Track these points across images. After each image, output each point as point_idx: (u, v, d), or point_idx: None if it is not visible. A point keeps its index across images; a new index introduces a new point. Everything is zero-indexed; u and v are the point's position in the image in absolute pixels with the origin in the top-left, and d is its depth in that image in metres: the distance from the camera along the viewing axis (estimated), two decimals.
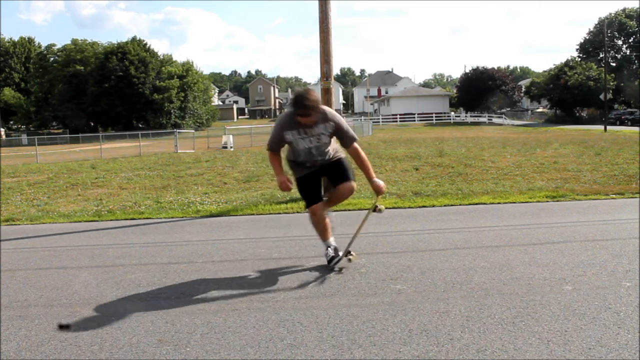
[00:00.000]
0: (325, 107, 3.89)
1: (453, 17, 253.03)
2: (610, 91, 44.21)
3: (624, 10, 59.76)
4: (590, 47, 58.32)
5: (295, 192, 8.19)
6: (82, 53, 53.46)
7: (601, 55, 52.77)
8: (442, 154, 14.18)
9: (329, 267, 3.91)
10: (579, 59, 56.70)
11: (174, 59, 59.69)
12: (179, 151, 22.70)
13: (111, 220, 6.65)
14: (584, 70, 51.47)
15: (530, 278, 3.56)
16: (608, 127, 32.88)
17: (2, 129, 51.21)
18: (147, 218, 6.64)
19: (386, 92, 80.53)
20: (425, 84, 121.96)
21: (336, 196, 3.99)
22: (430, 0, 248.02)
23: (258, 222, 6.14)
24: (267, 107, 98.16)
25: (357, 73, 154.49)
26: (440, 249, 4.45)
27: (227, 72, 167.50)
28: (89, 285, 3.81)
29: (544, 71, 66.53)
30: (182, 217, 6.62)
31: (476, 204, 6.71)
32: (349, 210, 6.46)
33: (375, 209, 3.96)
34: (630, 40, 59.12)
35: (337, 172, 3.95)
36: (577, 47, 61.23)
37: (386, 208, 6.48)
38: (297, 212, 6.58)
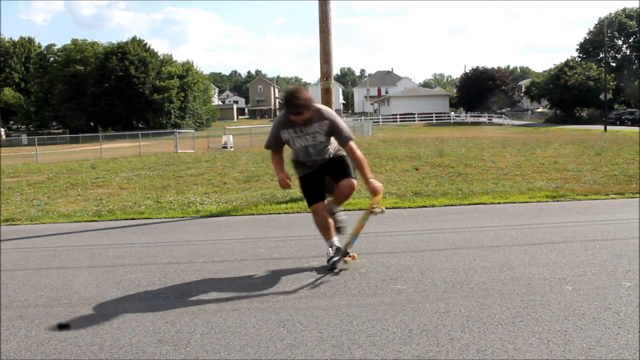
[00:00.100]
0: (321, 106, 3.90)
1: (453, 17, 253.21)
2: (610, 91, 44.22)
3: (624, 10, 59.78)
4: (590, 47, 58.33)
5: (295, 192, 8.19)
6: (82, 53, 53.47)
7: (601, 55, 52.78)
8: (442, 154, 14.18)
9: (327, 266, 3.91)
10: (579, 59, 56.72)
11: (174, 59, 59.73)
12: (179, 151, 22.70)
13: (111, 220, 6.65)
14: (584, 70, 51.48)
15: (530, 278, 3.56)
16: (608, 127, 32.89)
17: (2, 129, 51.21)
18: (147, 218, 6.64)
19: (386, 92, 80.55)
20: (425, 84, 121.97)
21: (338, 194, 4.00)
22: (430, 0, 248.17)
23: (258, 222, 6.14)
24: (267, 107, 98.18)
25: (357, 73, 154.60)
26: (440, 249, 4.45)
27: (227, 72, 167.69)
28: (89, 285, 3.81)
29: (544, 71, 66.55)
30: (182, 217, 6.62)
31: (476, 204, 6.71)
32: (349, 210, 6.46)
33: (372, 211, 3.87)
34: (630, 40, 59.14)
35: (337, 170, 3.95)
36: (577, 47, 61.30)
37: (386, 208, 6.52)
38: (297, 212, 6.58)
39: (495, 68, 63.40)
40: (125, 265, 4.35)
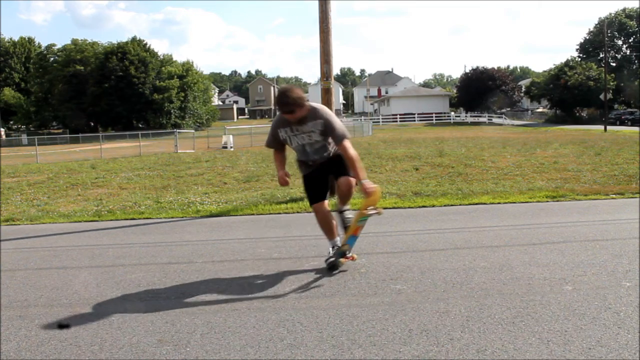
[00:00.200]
0: (316, 105, 3.89)
1: (453, 17, 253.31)
2: (610, 91, 44.22)
3: (624, 10, 59.78)
4: (590, 47, 58.33)
5: (295, 192, 8.19)
6: (82, 53, 53.44)
7: (601, 55, 52.79)
8: (442, 154, 14.18)
9: (326, 266, 3.91)
10: (579, 59, 56.72)
11: (174, 59, 59.67)
12: (179, 151, 22.70)
13: (111, 220, 6.65)
14: (584, 70, 51.48)
15: (530, 278, 3.56)
16: (608, 127, 32.90)
17: (2, 129, 51.20)
18: (147, 218, 6.64)
19: (386, 92, 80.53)
20: (425, 84, 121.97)
21: (338, 193, 4.00)
22: (430, 0, 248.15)
23: (258, 222, 6.14)
24: (267, 107, 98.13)
25: (357, 73, 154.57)
26: (440, 249, 4.45)
27: (227, 72, 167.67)
28: (89, 285, 3.81)
29: (544, 71, 66.56)
30: (182, 217, 6.62)
31: (476, 204, 6.71)
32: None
33: (366, 213, 3.79)
34: (630, 40, 59.13)
35: (337, 168, 3.95)
36: (577, 47, 61.30)
37: (386, 208, 6.52)
38: (297, 212, 6.58)
39: (495, 68, 63.42)
40: (125, 265, 4.35)
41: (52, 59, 57.49)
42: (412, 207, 6.61)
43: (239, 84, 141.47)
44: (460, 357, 2.49)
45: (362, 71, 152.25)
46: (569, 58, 56.38)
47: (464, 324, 2.84)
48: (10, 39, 66.79)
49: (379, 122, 56.77)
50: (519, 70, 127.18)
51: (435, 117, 57.41)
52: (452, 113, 62.06)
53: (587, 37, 60.61)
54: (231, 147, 23.85)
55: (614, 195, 6.98)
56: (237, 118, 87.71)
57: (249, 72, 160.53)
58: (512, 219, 5.71)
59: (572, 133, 28.40)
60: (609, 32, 52.59)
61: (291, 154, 4.17)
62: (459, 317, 2.94)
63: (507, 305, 3.08)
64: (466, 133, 31.13)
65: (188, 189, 9.33)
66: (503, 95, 58.85)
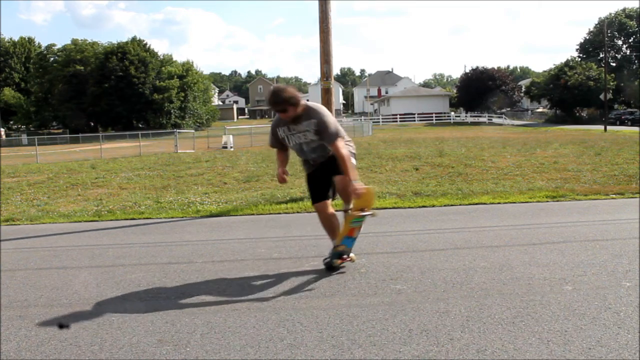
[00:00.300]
0: (312, 104, 3.88)
1: (453, 17, 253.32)
2: (610, 91, 44.22)
3: (624, 10, 59.78)
4: (590, 47, 58.34)
5: (295, 191, 8.19)
6: (82, 53, 53.44)
7: (601, 55, 52.80)
8: (442, 154, 14.18)
9: (324, 265, 3.92)
10: (579, 59, 56.72)
11: (174, 59, 59.69)
12: (179, 151, 22.70)
13: (111, 220, 6.65)
14: (584, 70, 51.48)
15: (530, 278, 3.56)
16: (608, 127, 32.90)
17: (2, 129, 51.20)
18: (147, 218, 6.64)
19: (386, 92, 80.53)
20: (425, 84, 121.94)
21: (338, 192, 4.00)
22: (430, 0, 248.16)
23: (258, 222, 6.14)
24: (267, 107, 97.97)
25: (357, 73, 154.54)
26: (440, 249, 4.45)
27: (227, 72, 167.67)
28: (89, 285, 3.81)
29: (544, 71, 66.55)
30: (182, 217, 6.62)
31: (476, 204, 6.71)
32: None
33: (357, 215, 3.76)
34: (630, 40, 59.13)
35: (335, 167, 3.94)
36: (577, 47, 61.31)
37: (386, 208, 6.53)
38: (297, 212, 6.58)
39: (495, 68, 63.41)
40: (125, 265, 4.35)
41: (52, 59, 57.48)
42: (412, 207, 6.61)
43: (239, 84, 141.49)
44: (460, 357, 2.49)
45: (362, 71, 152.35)
46: (569, 58, 56.43)
47: (464, 324, 2.84)
48: (10, 39, 66.84)
49: (379, 122, 56.76)
50: (519, 70, 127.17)
51: (435, 117, 57.41)
52: (452, 113, 62.05)
53: (587, 37, 60.62)
54: (231, 147, 23.85)
55: (614, 195, 6.98)
56: (237, 118, 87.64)
57: (249, 72, 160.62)
58: (512, 219, 5.71)
59: (572, 133, 28.40)
60: (609, 32, 52.60)
61: (295, 154, 4.18)
62: (459, 317, 2.94)
63: (507, 305, 3.08)
64: (466, 133, 31.13)
65: (188, 189, 9.33)
66: (503, 95, 58.85)
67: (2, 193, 9.79)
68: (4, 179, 12.64)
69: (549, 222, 5.40)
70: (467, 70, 63.99)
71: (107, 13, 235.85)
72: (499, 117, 55.88)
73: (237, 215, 6.61)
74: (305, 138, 3.85)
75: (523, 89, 63.92)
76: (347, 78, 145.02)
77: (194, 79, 57.59)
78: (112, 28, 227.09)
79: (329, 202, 3.99)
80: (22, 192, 9.86)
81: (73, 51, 53.92)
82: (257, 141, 25.44)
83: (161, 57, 57.74)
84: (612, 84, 48.03)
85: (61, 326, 3.01)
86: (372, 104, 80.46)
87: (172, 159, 17.95)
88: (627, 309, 2.96)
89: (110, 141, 31.25)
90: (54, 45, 59.26)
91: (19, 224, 6.66)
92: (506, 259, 4.04)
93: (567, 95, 50.21)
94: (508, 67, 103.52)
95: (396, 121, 57.19)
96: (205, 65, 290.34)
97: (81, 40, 55.87)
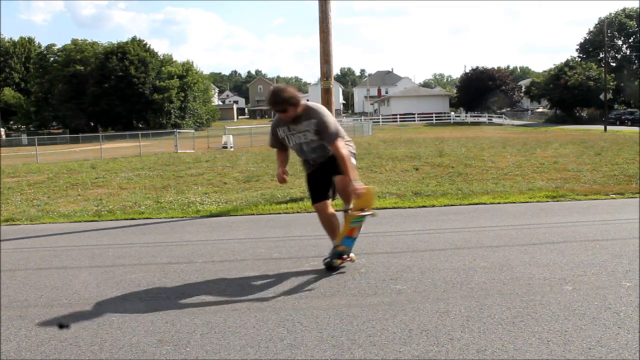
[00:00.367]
0: (313, 104, 3.88)
1: (453, 17, 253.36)
2: (610, 91, 44.22)
3: (624, 10, 59.78)
4: (590, 47, 58.34)
5: (295, 191, 8.19)
6: (82, 53, 53.44)
7: (601, 55, 52.81)
8: (442, 154, 14.18)
9: (324, 265, 3.92)
10: (579, 59, 56.72)
11: (174, 59, 59.67)
12: (179, 151, 22.70)
13: (111, 220, 6.64)
14: (584, 70, 51.48)
15: (530, 278, 3.56)
16: (608, 127, 32.90)
17: (2, 129, 51.20)
18: (147, 218, 6.64)
19: (386, 92, 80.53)
20: (425, 84, 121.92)
21: (337, 192, 4.00)
22: (430, 0, 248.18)
23: (258, 222, 6.14)
24: (267, 107, 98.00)
25: (357, 73, 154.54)
26: (440, 249, 4.45)
27: (227, 72, 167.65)
28: (89, 285, 3.81)
29: (544, 71, 66.54)
30: (182, 217, 6.62)
31: (476, 204, 6.71)
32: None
33: (357, 215, 3.77)
34: (630, 40, 59.14)
35: (335, 167, 3.95)
36: (577, 47, 61.32)
37: (386, 208, 6.53)
38: (297, 212, 6.58)
39: (495, 68, 63.40)
40: (125, 265, 4.35)
41: (52, 59, 57.49)
42: (412, 207, 6.61)
43: (239, 84, 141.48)
44: (460, 357, 2.49)
45: (362, 71, 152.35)
46: (569, 58, 56.41)
47: (464, 324, 2.84)
48: (10, 39, 66.83)
49: (379, 122, 56.76)
50: (519, 70, 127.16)
51: (435, 117, 57.40)
52: (452, 113, 62.04)
53: (587, 37, 60.63)
54: (231, 147, 23.85)
55: (614, 195, 6.98)
56: (237, 118, 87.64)
57: (249, 72, 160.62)
58: (512, 219, 5.71)
59: (572, 133, 28.40)
60: (609, 32, 52.60)
61: (295, 154, 4.18)
62: (459, 317, 2.94)
63: (507, 305, 3.08)
64: (466, 133, 31.13)
65: (188, 189, 9.33)
66: (503, 95, 58.84)
67: (2, 193, 9.79)
68: (4, 179, 12.64)
69: (549, 222, 5.40)
70: (467, 70, 64.05)
71: (107, 13, 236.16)
72: (499, 117, 55.88)
73: (237, 215, 6.61)
74: (305, 138, 3.85)
75: (523, 89, 63.92)
76: (347, 78, 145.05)
77: (194, 79, 57.59)
78: (112, 28, 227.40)
79: (329, 202, 3.99)
80: (22, 192, 9.86)
81: (73, 51, 53.92)
82: (257, 141, 25.44)
83: (161, 57, 57.74)
84: (612, 84, 48.03)
85: (61, 326, 3.01)
86: (372, 104, 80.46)
87: (172, 159, 17.95)
88: (627, 309, 2.96)
89: (110, 141, 31.25)
90: (54, 45, 59.34)
91: (19, 224, 6.66)
92: (506, 259, 4.04)
93: (567, 95, 50.21)
94: (508, 67, 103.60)
95: (396, 121, 57.18)
96: (205, 65, 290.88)
97: (81, 40, 55.89)
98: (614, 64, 56.78)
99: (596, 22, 68.76)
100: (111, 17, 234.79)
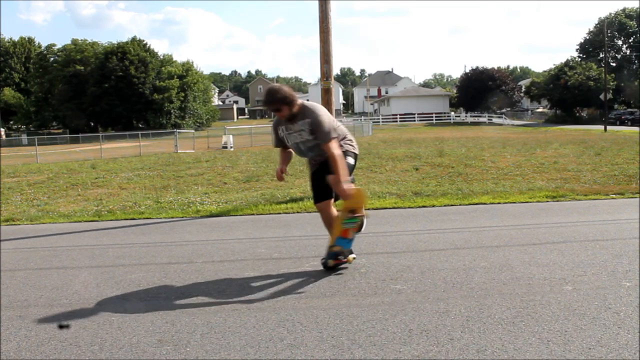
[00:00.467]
0: (309, 103, 3.88)
1: (453, 17, 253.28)
2: (610, 91, 44.22)
3: (624, 10, 59.80)
4: (590, 47, 58.35)
5: (294, 191, 8.19)
6: (82, 53, 53.47)
7: (601, 55, 52.80)
8: (442, 154, 14.18)
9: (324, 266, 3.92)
10: (579, 59, 56.74)
11: (174, 59, 59.69)
12: (179, 151, 22.71)
13: (111, 220, 6.64)
14: (584, 70, 51.49)
15: (530, 278, 3.56)
16: (608, 127, 32.93)
17: (2, 129, 51.21)
18: (147, 218, 6.64)
19: (386, 92, 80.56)
20: (425, 84, 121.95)
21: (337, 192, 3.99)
22: (430, 0, 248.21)
23: (258, 222, 6.14)
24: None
25: (357, 73, 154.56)
26: (440, 249, 4.45)
27: (227, 72, 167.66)
28: (89, 285, 3.81)
29: (544, 71, 66.59)
30: (182, 217, 6.62)
31: (476, 204, 6.71)
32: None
33: (350, 216, 3.75)
34: (630, 40, 59.15)
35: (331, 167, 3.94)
36: (577, 47, 61.35)
37: (386, 208, 6.53)
38: (297, 212, 6.58)
39: (495, 68, 63.42)
40: (125, 265, 4.35)
41: (52, 59, 57.51)
42: (412, 207, 6.61)
43: (239, 84, 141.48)
44: (460, 357, 2.49)
45: (362, 71, 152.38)
46: (569, 58, 56.46)
47: (464, 324, 2.84)
48: (10, 39, 66.87)
49: (379, 122, 56.77)
50: (519, 70, 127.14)
51: (435, 117, 57.42)
52: (452, 113, 62.06)
53: (587, 37, 60.65)
54: (231, 147, 23.86)
55: (614, 195, 6.98)
56: (237, 118, 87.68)
57: (249, 72, 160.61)
58: (512, 219, 5.71)
59: (572, 133, 28.40)
60: (609, 32, 52.60)
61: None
62: (459, 317, 2.94)
63: (507, 305, 3.08)
64: (466, 133, 31.13)
65: (188, 189, 9.33)
66: (503, 95, 58.85)
67: (2, 193, 9.79)
68: (4, 179, 12.64)
69: (549, 222, 5.40)
70: (467, 70, 64.05)
71: (107, 13, 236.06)
72: (499, 117, 55.89)
73: (237, 215, 6.61)
74: (301, 137, 3.85)
75: (523, 89, 63.92)
76: (347, 78, 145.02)
77: (194, 79, 57.61)
78: (112, 28, 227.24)
79: (331, 201, 3.98)
80: (22, 192, 9.87)
81: (73, 51, 53.94)
82: (257, 141, 25.45)
83: (161, 57, 57.78)
84: (612, 84, 48.03)
85: (61, 326, 3.01)
86: (372, 104, 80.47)
87: (172, 159, 17.95)
88: (627, 309, 2.96)
89: (110, 141, 31.26)
90: (54, 45, 59.37)
91: (19, 224, 6.66)
92: (506, 259, 4.04)
93: (567, 95, 50.23)
94: (508, 67, 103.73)
95: (396, 121, 57.19)
96: (205, 65, 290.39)
97: (81, 40, 55.92)
98: (614, 64, 56.79)
99: (596, 22, 68.86)
100: (111, 17, 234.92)
